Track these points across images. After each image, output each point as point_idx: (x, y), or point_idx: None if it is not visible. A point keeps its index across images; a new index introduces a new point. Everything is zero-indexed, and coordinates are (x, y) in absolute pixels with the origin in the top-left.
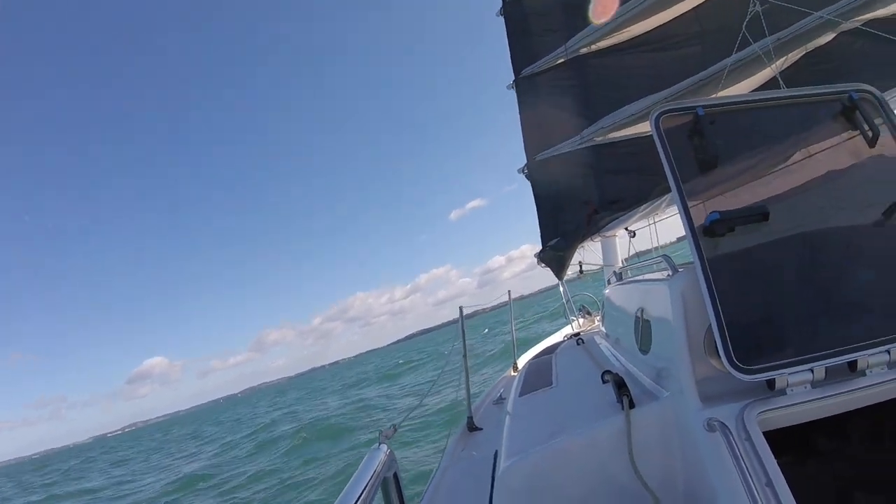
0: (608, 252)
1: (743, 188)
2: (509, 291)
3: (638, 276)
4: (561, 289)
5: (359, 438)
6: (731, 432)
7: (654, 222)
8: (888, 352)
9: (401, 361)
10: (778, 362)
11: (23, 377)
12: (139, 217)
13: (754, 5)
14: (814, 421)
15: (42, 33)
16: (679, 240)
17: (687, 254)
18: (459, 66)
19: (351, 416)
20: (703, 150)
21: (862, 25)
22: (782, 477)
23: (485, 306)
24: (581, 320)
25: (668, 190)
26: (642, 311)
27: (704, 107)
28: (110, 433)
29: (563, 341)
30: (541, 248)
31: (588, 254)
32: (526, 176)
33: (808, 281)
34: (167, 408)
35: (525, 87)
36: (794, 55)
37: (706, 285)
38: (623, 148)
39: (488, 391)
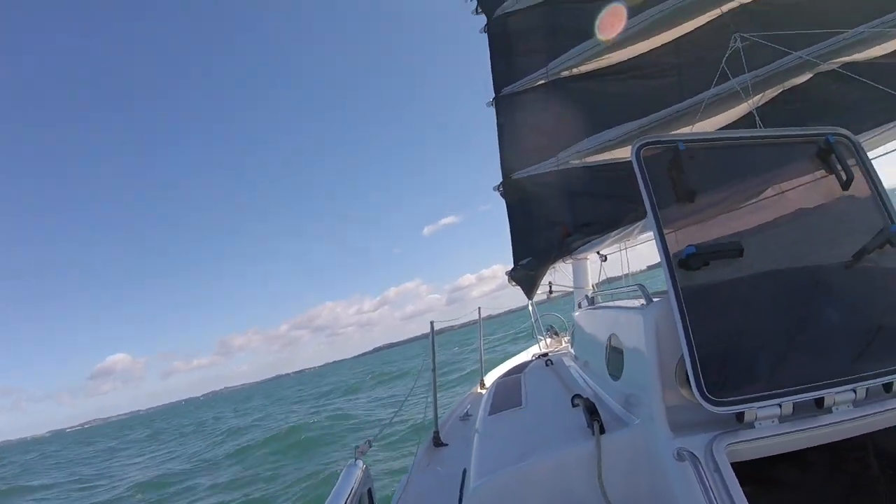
0: (579, 275)
1: (719, 223)
2: (479, 309)
3: (611, 301)
4: (530, 308)
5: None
6: (700, 463)
7: (626, 248)
8: (854, 390)
9: (371, 375)
10: (747, 396)
11: None
12: (113, 208)
13: (735, 41)
14: (783, 454)
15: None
16: (649, 268)
17: (658, 283)
18: (441, 80)
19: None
20: (681, 183)
21: (839, 68)
22: None
23: (454, 323)
24: (548, 340)
25: (641, 217)
26: (614, 337)
27: (685, 141)
28: (69, 428)
29: (532, 361)
30: (512, 266)
31: (559, 275)
32: (501, 194)
33: (779, 317)
34: (128, 406)
35: (504, 105)
36: (771, 92)
37: (680, 316)
38: (598, 172)
39: (455, 407)
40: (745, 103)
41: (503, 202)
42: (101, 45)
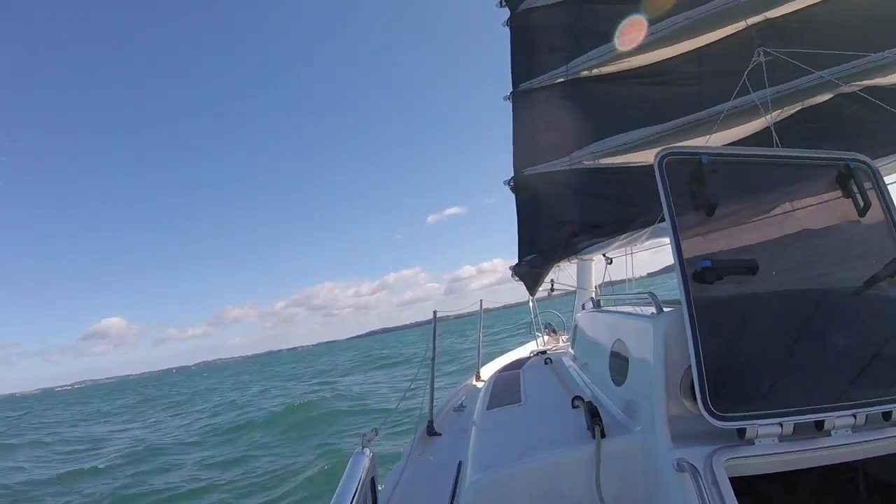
0: (583, 275)
1: (735, 238)
2: (481, 301)
3: (618, 306)
4: (530, 304)
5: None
6: (699, 474)
7: (632, 253)
8: (854, 416)
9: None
10: (750, 413)
11: None
12: (120, 176)
13: (758, 55)
14: (778, 472)
15: None
16: (650, 275)
17: (658, 291)
18: (458, 71)
19: None
20: (701, 196)
21: (860, 90)
22: None
23: (450, 314)
24: (546, 338)
25: (650, 223)
26: (620, 343)
27: (709, 155)
28: (59, 387)
29: (530, 357)
30: (516, 261)
31: (562, 274)
32: (511, 188)
33: (787, 337)
34: (119, 370)
35: (522, 100)
36: (790, 109)
37: (691, 329)
38: (610, 175)
39: (449, 397)
40: (763, 118)
41: (510, 196)
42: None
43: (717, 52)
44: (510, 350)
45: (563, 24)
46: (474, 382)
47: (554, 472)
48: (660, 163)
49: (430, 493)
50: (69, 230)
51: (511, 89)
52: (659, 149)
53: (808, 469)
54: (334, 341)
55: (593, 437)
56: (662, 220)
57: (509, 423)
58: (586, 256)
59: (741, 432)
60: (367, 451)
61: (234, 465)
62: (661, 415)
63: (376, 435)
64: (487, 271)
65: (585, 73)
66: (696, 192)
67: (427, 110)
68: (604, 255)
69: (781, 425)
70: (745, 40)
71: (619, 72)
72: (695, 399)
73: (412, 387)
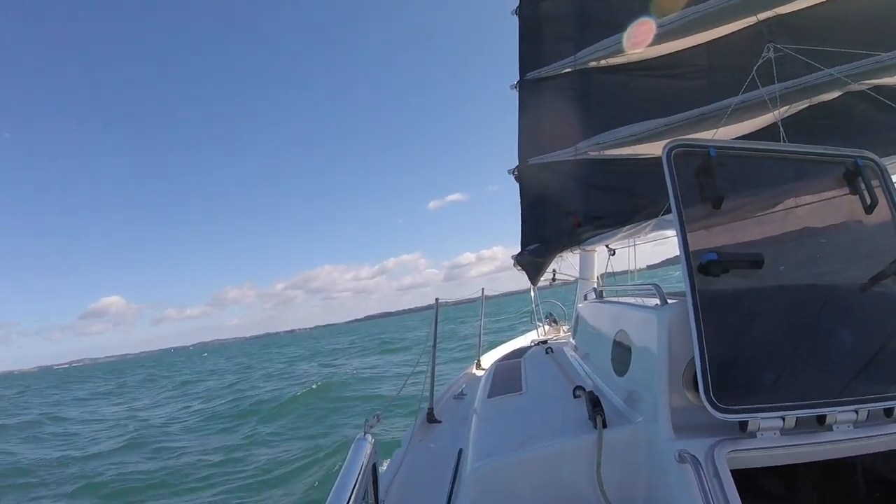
0: (585, 266)
1: (741, 232)
2: (482, 290)
3: (621, 297)
4: (532, 294)
5: None
6: (701, 466)
7: (635, 244)
8: (856, 411)
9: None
10: (753, 406)
11: None
12: (121, 157)
13: (768, 51)
14: (778, 466)
15: None
16: (649, 267)
17: (660, 283)
18: (465, 58)
19: None
20: (709, 188)
21: (868, 89)
22: None
23: (448, 300)
24: (547, 327)
25: (654, 215)
26: (623, 333)
27: (717, 148)
28: (57, 365)
29: (531, 346)
30: (519, 250)
31: (564, 264)
32: (516, 178)
33: (790, 331)
34: (117, 349)
35: (528, 89)
36: (798, 105)
37: (695, 321)
38: (616, 166)
39: (449, 385)
40: (771, 114)
41: (513, 184)
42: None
43: (727, 47)
44: (511, 339)
45: (572, 14)
46: (474, 370)
47: (555, 461)
48: (668, 154)
49: (431, 480)
50: (69, 209)
51: (518, 78)
52: (667, 141)
53: (808, 463)
54: (333, 324)
55: (595, 427)
56: (667, 211)
57: (510, 412)
58: (589, 247)
59: (743, 425)
60: (369, 437)
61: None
62: (663, 406)
63: (378, 421)
64: (487, 259)
65: (593, 63)
66: (704, 184)
67: (433, 97)
68: (607, 245)
69: (783, 419)
70: (754, 36)
71: (627, 63)
72: (697, 391)
73: (414, 372)
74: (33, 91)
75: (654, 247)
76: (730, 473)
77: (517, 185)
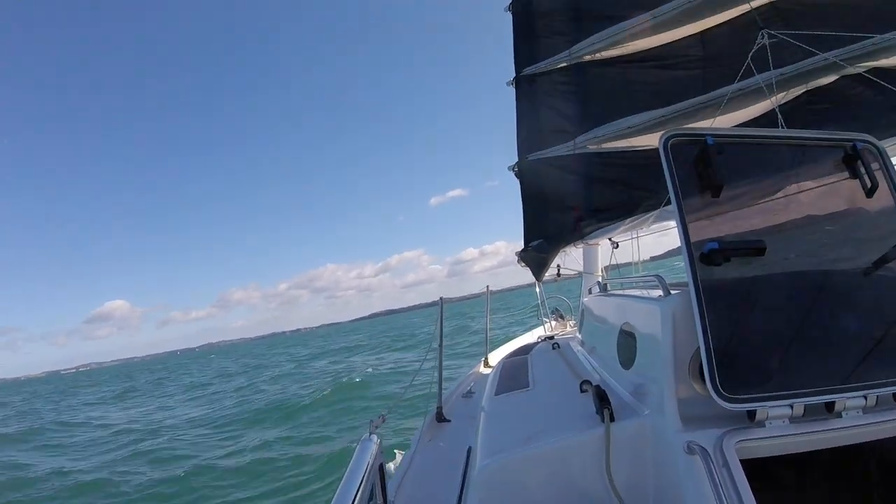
0: (589, 260)
1: (741, 220)
2: (487, 287)
3: (625, 289)
4: (537, 289)
5: None
6: (710, 457)
7: (637, 237)
8: (865, 397)
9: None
10: (760, 394)
11: None
12: (124, 161)
13: (762, 37)
14: (788, 454)
15: None
16: (652, 258)
17: (664, 275)
18: (463, 55)
19: None
20: (707, 177)
21: (865, 72)
22: None
23: (453, 298)
24: (553, 323)
25: (656, 206)
26: (628, 326)
27: (714, 136)
28: (64, 370)
29: (537, 343)
30: (522, 246)
31: (568, 259)
32: (516, 174)
33: (796, 318)
34: (123, 352)
35: (525, 86)
36: (795, 91)
37: (699, 311)
38: (615, 159)
39: (458, 384)
40: (768, 101)
41: (513, 179)
42: None
43: (721, 35)
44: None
45: (564, 8)
46: (482, 369)
47: (563, 456)
48: (665, 144)
49: (441, 479)
50: (71, 215)
51: (514, 74)
52: (664, 131)
53: (818, 451)
54: (338, 323)
55: (602, 421)
56: (668, 203)
57: (518, 409)
58: (592, 241)
59: (751, 414)
60: (375, 437)
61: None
62: (670, 397)
63: (383, 421)
64: (490, 254)
65: (588, 57)
66: (702, 173)
67: (432, 94)
68: (609, 239)
69: (792, 407)
70: (748, 22)
71: (622, 56)
72: (704, 381)
73: (420, 370)
74: (33, 96)
75: (657, 238)
76: (739, 463)
77: (517, 181)
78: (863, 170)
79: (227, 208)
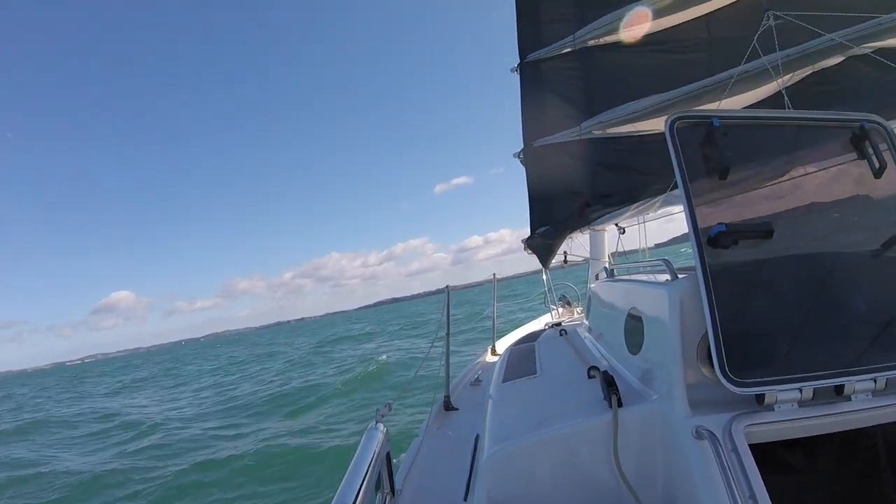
0: (595, 246)
1: (748, 202)
2: (494, 275)
3: (632, 275)
4: (544, 277)
5: None
6: (719, 442)
7: (644, 222)
8: (874, 380)
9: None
10: (769, 378)
11: None
12: (128, 148)
13: (768, 19)
14: (797, 438)
15: None
16: (657, 245)
17: (674, 261)
18: (467, 42)
19: None
20: (713, 159)
21: (872, 52)
22: (765, 490)
23: (458, 286)
24: (561, 310)
25: (662, 191)
26: (635, 311)
27: (720, 117)
28: (69, 362)
29: (545, 330)
30: (529, 233)
31: (575, 245)
32: (521, 161)
33: (804, 301)
34: (128, 343)
35: (529, 72)
36: (801, 73)
37: (706, 294)
38: (621, 144)
39: (465, 372)
40: (774, 82)
41: (517, 166)
42: None
43: (726, 18)
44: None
45: None
46: (490, 356)
47: (571, 442)
48: (671, 127)
49: (449, 467)
50: (76, 206)
51: (518, 60)
52: (669, 114)
53: (827, 434)
54: (343, 311)
55: (610, 406)
56: (675, 187)
57: (525, 395)
58: (598, 226)
59: (760, 398)
60: (381, 426)
61: None
62: (678, 382)
63: (389, 410)
64: (494, 241)
65: (593, 42)
66: (709, 155)
67: (436, 81)
68: (616, 224)
69: (801, 390)
70: (753, 4)
71: (626, 40)
72: (712, 366)
73: (426, 358)
74: (35, 87)
75: (662, 224)
76: (748, 448)
77: (523, 167)
78: (870, 150)
79: (231, 197)
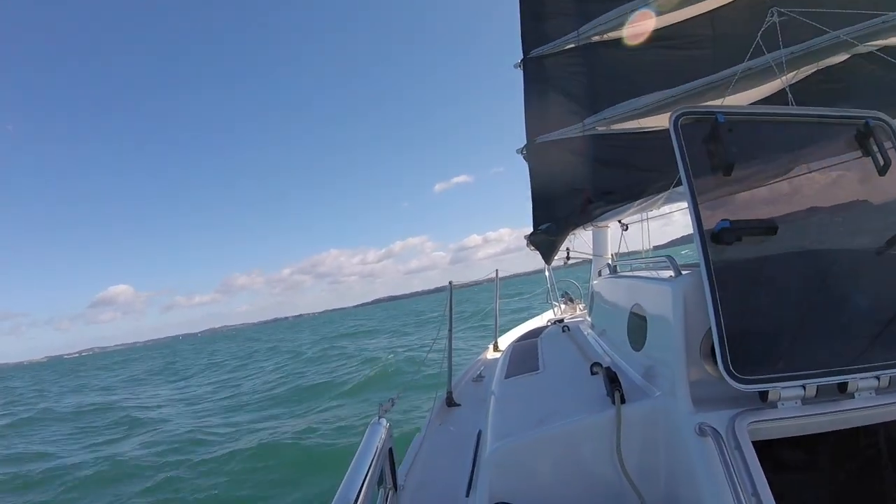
0: (598, 242)
1: (752, 199)
2: (497, 271)
3: (635, 271)
4: (546, 273)
5: None
6: (722, 439)
7: (647, 219)
8: (877, 378)
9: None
10: (772, 375)
11: None
12: (130, 144)
13: (772, 16)
14: (800, 436)
15: None
16: (655, 248)
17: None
18: (468, 40)
19: None
20: (718, 156)
21: (877, 50)
22: (768, 488)
23: (458, 283)
24: (563, 306)
25: (665, 188)
26: (638, 307)
27: (725, 113)
28: (66, 355)
29: (547, 326)
30: (531, 230)
31: (578, 242)
32: (524, 157)
33: (808, 298)
34: (126, 337)
35: (532, 68)
36: (806, 70)
37: (710, 291)
38: (624, 140)
39: (467, 368)
40: (779, 80)
41: (518, 165)
42: None
43: (731, 14)
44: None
45: None
46: (492, 353)
47: (574, 439)
48: (675, 123)
49: (451, 463)
50: (75, 199)
51: (521, 56)
52: (674, 109)
53: (830, 432)
54: (341, 308)
55: (613, 403)
56: (678, 184)
57: (528, 392)
58: (601, 223)
59: (763, 395)
60: (384, 421)
61: None
62: (681, 379)
63: (392, 405)
64: (494, 241)
65: (597, 38)
66: (713, 151)
67: (436, 80)
68: (619, 221)
69: (804, 387)
70: (758, 0)
71: (630, 36)
72: (715, 362)
73: (428, 355)
74: (36, 82)
75: (661, 227)
76: (751, 445)
77: (523, 165)
78: (875, 147)
79: (232, 193)
